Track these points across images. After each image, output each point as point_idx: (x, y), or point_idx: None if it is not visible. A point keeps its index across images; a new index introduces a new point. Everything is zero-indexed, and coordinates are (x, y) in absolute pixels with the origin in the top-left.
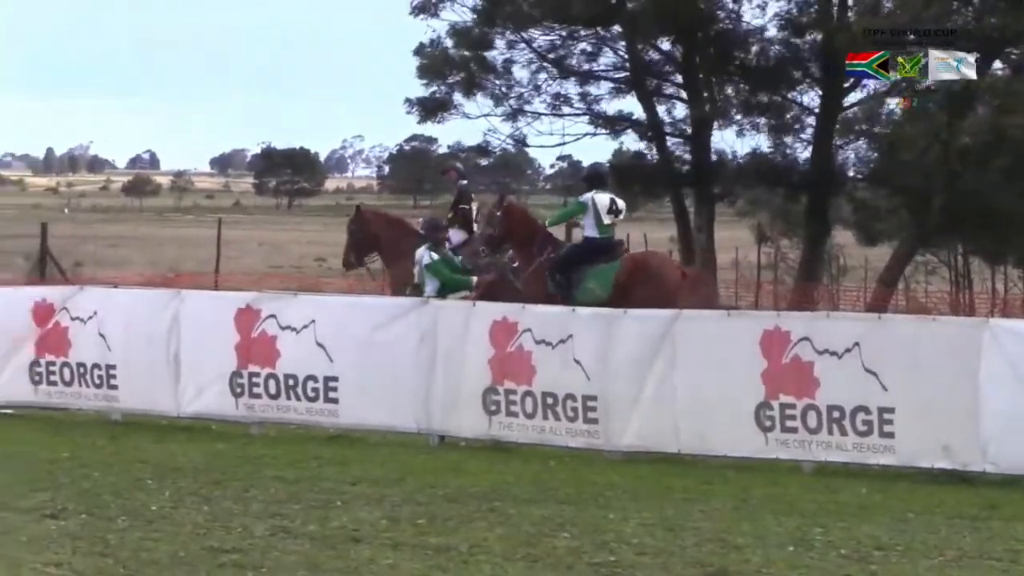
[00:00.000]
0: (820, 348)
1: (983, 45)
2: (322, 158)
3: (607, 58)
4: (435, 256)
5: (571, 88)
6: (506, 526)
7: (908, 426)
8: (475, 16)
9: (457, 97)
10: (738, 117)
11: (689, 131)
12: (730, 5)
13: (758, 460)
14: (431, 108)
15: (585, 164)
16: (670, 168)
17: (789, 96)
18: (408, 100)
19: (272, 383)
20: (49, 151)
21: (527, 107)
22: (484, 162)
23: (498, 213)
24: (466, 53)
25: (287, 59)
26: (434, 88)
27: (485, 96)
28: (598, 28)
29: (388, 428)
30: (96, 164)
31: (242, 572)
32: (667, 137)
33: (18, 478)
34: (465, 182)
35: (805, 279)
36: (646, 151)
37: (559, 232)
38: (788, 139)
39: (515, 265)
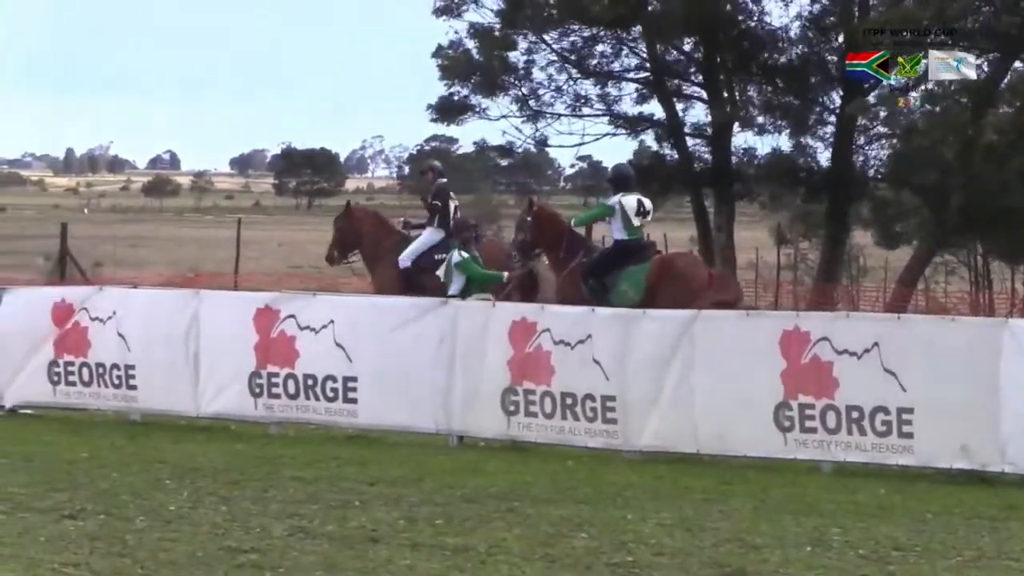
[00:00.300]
0: (839, 348)
1: (1003, 43)
2: (342, 158)
3: (627, 59)
4: (464, 254)
5: (591, 89)
6: (524, 526)
7: (927, 426)
8: (497, 18)
9: (477, 98)
10: (759, 119)
11: (709, 132)
12: (751, 6)
13: (777, 460)
14: (451, 110)
15: (605, 164)
16: (690, 168)
17: (810, 97)
18: (430, 106)
19: (291, 383)
20: (69, 151)
21: (548, 108)
22: (505, 162)
23: (528, 218)
24: (493, 53)
25: (307, 60)
26: (455, 89)
27: (506, 97)
28: (619, 29)
29: (407, 428)
30: (116, 164)
31: (260, 572)
32: (687, 137)
33: (37, 478)
34: (444, 180)
35: (824, 280)
36: (666, 151)
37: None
38: (809, 140)
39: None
